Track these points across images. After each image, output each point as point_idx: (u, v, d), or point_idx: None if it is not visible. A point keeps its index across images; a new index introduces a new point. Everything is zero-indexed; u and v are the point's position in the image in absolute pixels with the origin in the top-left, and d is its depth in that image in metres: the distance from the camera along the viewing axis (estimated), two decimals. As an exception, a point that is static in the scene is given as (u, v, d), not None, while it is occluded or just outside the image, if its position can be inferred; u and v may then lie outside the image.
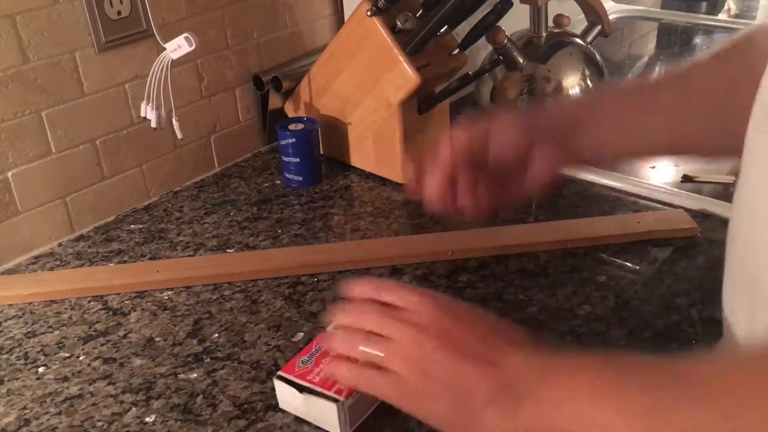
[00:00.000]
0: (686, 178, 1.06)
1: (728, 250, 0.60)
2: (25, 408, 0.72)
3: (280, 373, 0.68)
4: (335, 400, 0.64)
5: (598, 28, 1.28)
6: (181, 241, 0.99)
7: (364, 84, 1.06)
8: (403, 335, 0.54)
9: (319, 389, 0.65)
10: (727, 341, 0.63)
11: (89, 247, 0.99)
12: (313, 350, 0.70)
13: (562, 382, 0.47)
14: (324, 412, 0.66)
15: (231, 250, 0.96)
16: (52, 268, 0.95)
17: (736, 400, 0.40)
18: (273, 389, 0.70)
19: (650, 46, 1.78)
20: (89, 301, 0.88)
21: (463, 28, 1.05)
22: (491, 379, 0.49)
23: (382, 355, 0.54)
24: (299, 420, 0.68)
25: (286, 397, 0.68)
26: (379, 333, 0.55)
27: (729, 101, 0.67)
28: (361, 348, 0.56)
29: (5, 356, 0.80)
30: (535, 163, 0.69)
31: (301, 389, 0.66)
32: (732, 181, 1.01)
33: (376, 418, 0.68)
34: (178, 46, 0.94)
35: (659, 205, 0.98)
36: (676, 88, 0.71)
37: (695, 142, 0.71)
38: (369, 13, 1.00)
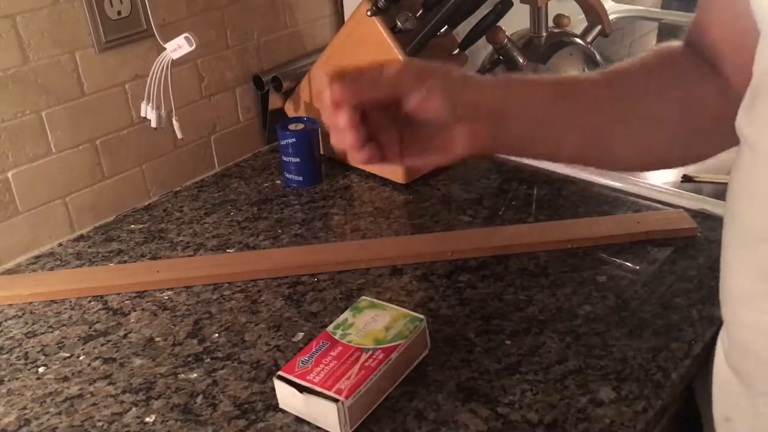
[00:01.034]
0: (686, 178, 1.06)
1: (743, 248, 0.60)
2: (25, 408, 0.72)
3: (280, 373, 0.68)
4: (335, 400, 0.64)
5: (598, 28, 1.28)
6: (181, 241, 0.99)
7: (364, 84, 1.05)
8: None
9: (319, 389, 0.66)
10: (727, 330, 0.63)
11: (89, 247, 0.99)
12: (313, 350, 0.70)
13: None
14: (324, 412, 0.66)
15: (231, 250, 0.96)
16: (52, 268, 0.95)
17: None
18: (273, 389, 0.70)
19: (650, 46, 1.78)
20: (89, 301, 0.88)
21: (463, 28, 1.05)
22: None
23: None
24: (299, 420, 0.68)
25: (287, 396, 0.68)
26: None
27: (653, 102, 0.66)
28: None
29: (5, 356, 0.80)
30: (455, 137, 0.63)
31: (301, 389, 0.66)
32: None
33: (376, 419, 0.68)
34: (178, 46, 0.94)
35: (659, 205, 0.98)
36: (601, 75, 0.69)
37: (612, 140, 0.68)
38: (369, 13, 1.00)
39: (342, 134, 0.60)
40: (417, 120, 0.62)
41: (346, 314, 0.75)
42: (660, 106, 0.66)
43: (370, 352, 0.69)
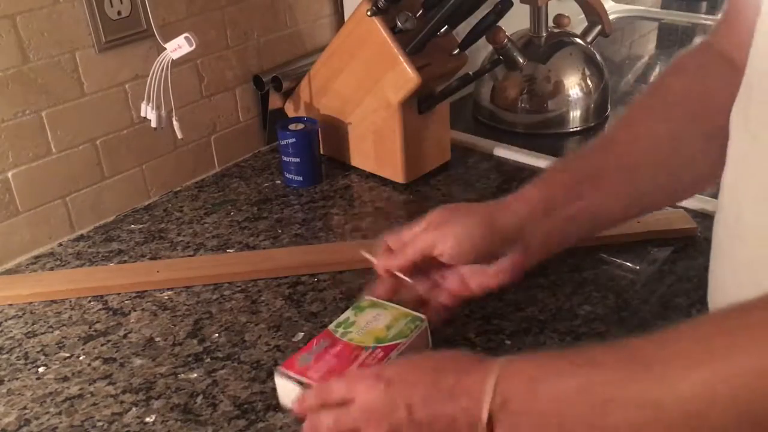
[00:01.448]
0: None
1: (722, 243, 0.60)
2: (25, 408, 0.72)
3: (280, 368, 0.68)
4: None
5: (599, 28, 1.28)
6: (181, 241, 0.99)
7: (364, 84, 1.06)
8: (364, 422, 0.55)
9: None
10: None
11: (89, 247, 0.99)
12: (314, 347, 0.70)
13: (519, 384, 0.50)
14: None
15: (231, 250, 0.96)
16: (52, 268, 0.95)
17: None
18: (273, 389, 0.70)
19: (650, 46, 1.78)
20: (89, 301, 0.88)
21: (463, 28, 1.05)
22: (465, 413, 0.51)
23: None
24: (300, 420, 0.68)
25: (286, 392, 0.68)
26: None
27: (672, 145, 0.68)
28: None
29: (5, 356, 0.80)
30: (499, 267, 0.70)
31: (300, 384, 0.66)
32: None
33: (376, 418, 0.68)
34: (179, 46, 0.94)
35: (659, 205, 0.98)
36: (617, 152, 0.70)
37: (648, 200, 0.71)
38: (369, 13, 1.00)
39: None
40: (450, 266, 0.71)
41: (348, 313, 0.74)
42: (690, 149, 0.67)
43: (371, 350, 0.69)
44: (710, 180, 0.66)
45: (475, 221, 0.68)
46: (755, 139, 0.54)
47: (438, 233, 0.68)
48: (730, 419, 0.41)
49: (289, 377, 0.67)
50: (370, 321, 0.73)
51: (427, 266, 0.72)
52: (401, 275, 0.72)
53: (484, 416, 0.50)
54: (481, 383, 0.51)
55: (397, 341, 0.69)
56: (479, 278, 0.71)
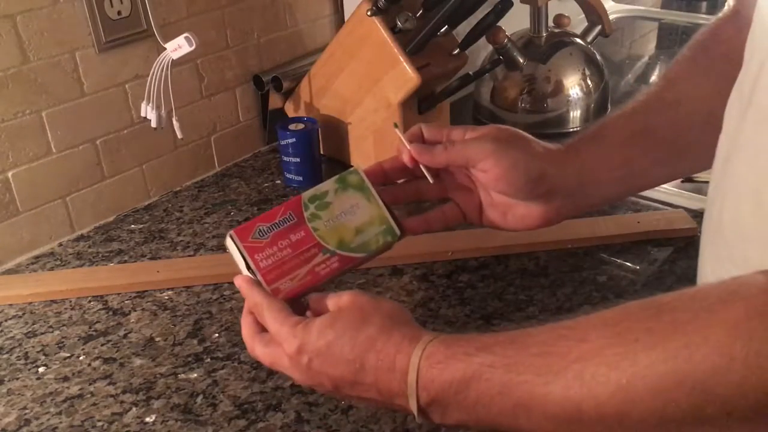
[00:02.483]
0: (686, 178, 1.06)
1: (707, 239, 0.60)
2: (25, 408, 0.72)
3: (233, 231, 0.63)
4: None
5: (599, 28, 1.28)
6: (181, 241, 0.99)
7: (364, 84, 1.06)
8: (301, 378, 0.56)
9: (260, 278, 0.61)
10: None
11: (89, 247, 0.99)
12: (277, 220, 0.63)
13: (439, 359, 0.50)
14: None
15: (231, 250, 0.96)
16: (52, 268, 0.95)
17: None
18: (273, 389, 0.70)
19: (650, 46, 1.78)
20: (89, 301, 0.88)
21: (463, 28, 1.05)
22: (393, 404, 0.52)
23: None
24: (300, 420, 0.68)
25: (235, 257, 0.64)
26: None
27: (715, 103, 0.65)
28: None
29: (5, 356, 0.80)
30: (528, 211, 0.66)
31: (246, 264, 0.62)
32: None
33: (376, 419, 0.68)
34: (179, 46, 0.94)
35: (659, 205, 0.98)
36: (666, 111, 0.69)
37: (692, 160, 0.69)
38: (369, 13, 1.00)
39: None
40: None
41: (330, 185, 0.66)
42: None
43: (327, 255, 0.62)
44: None
45: (533, 156, 0.63)
46: (738, 133, 0.54)
47: (496, 155, 0.62)
48: (648, 422, 0.42)
49: (238, 248, 0.62)
50: (345, 210, 0.65)
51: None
52: (425, 171, 0.65)
53: (415, 409, 0.50)
54: (403, 381, 0.50)
55: (357, 254, 0.63)
56: (498, 214, 0.67)
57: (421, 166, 0.65)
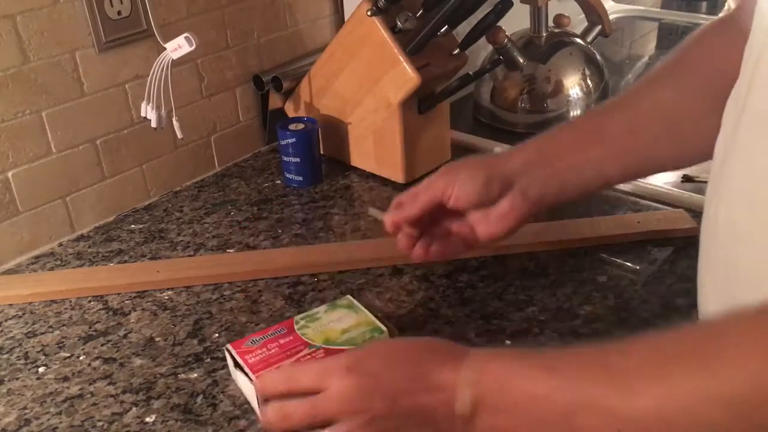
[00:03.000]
0: (686, 178, 1.06)
1: (704, 240, 0.60)
2: (25, 408, 0.72)
3: (229, 344, 0.72)
4: (255, 385, 0.65)
5: (599, 28, 1.28)
6: (181, 241, 0.99)
7: (364, 84, 1.06)
8: (344, 416, 0.54)
9: (247, 369, 0.68)
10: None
11: (89, 247, 0.99)
12: (269, 333, 0.72)
13: (497, 376, 0.51)
14: (249, 393, 0.69)
15: (231, 250, 0.96)
16: (52, 268, 0.95)
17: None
18: (273, 389, 0.70)
19: (650, 46, 1.78)
20: (89, 301, 0.88)
21: (464, 28, 1.05)
22: (443, 406, 0.52)
23: None
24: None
25: (231, 367, 0.72)
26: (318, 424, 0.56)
27: (677, 113, 0.70)
28: None
29: (5, 356, 0.80)
30: (499, 212, 0.73)
31: (237, 365, 0.69)
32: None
33: (376, 418, 0.68)
34: (179, 46, 0.94)
35: (659, 205, 0.98)
36: (621, 113, 0.73)
37: (650, 162, 0.73)
38: (369, 13, 1.00)
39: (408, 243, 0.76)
40: (471, 209, 0.73)
41: (321, 308, 0.76)
42: (696, 118, 0.69)
43: (313, 349, 0.70)
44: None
45: (477, 167, 0.73)
46: (734, 136, 0.54)
47: (445, 179, 0.73)
48: None
49: (231, 355, 0.70)
50: (333, 320, 0.74)
51: (435, 217, 0.76)
52: (408, 229, 0.76)
53: (464, 410, 0.51)
54: (456, 378, 0.52)
55: (344, 347, 0.70)
56: (484, 226, 0.74)
57: (404, 229, 0.76)
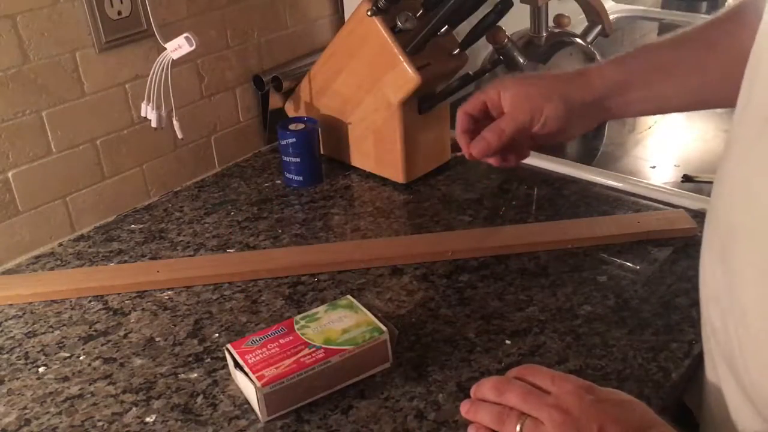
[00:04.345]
0: (686, 178, 1.06)
1: (706, 239, 0.60)
2: (25, 408, 0.72)
3: (229, 344, 0.72)
4: (254, 384, 0.67)
5: (599, 28, 1.28)
6: (181, 241, 0.99)
7: (364, 84, 1.06)
8: (552, 420, 0.54)
9: (247, 369, 0.68)
10: (704, 332, 0.64)
11: (89, 247, 0.99)
12: (269, 333, 0.72)
13: None
14: (249, 393, 0.69)
15: (231, 250, 0.96)
16: (52, 268, 0.95)
17: None
18: (273, 389, 0.70)
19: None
20: (90, 301, 0.88)
21: (464, 28, 1.05)
22: None
23: None
24: (300, 420, 0.69)
25: (231, 368, 0.72)
26: (524, 411, 0.56)
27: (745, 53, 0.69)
28: (512, 427, 0.56)
29: (6, 356, 0.80)
30: (544, 118, 0.77)
31: (236, 365, 0.70)
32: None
33: (376, 419, 0.68)
34: (179, 46, 0.94)
35: (659, 205, 0.99)
36: (694, 49, 0.75)
37: (713, 100, 0.76)
38: (369, 13, 1.00)
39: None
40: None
41: (321, 308, 0.76)
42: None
43: (313, 349, 0.70)
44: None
45: (556, 96, 0.77)
46: (737, 130, 0.55)
47: (528, 113, 0.77)
48: None
49: (231, 355, 0.71)
50: (333, 320, 0.74)
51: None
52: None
53: None
54: None
55: (344, 347, 0.70)
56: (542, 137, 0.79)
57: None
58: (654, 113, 0.91)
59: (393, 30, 1.01)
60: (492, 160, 0.82)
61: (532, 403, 0.55)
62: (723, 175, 0.58)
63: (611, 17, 1.34)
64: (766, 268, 0.51)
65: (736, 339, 0.56)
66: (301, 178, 1.09)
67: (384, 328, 0.72)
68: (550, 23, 1.25)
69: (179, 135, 1.01)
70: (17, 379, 0.76)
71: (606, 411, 0.54)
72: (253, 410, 0.70)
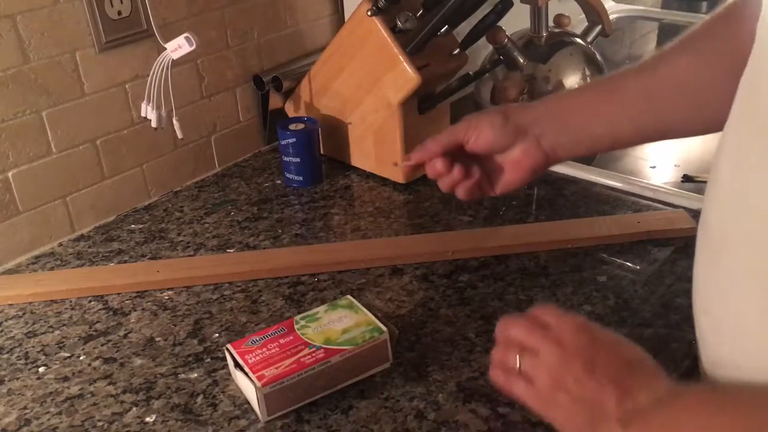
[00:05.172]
0: (686, 178, 1.06)
1: (698, 247, 0.60)
2: (25, 408, 0.72)
3: (229, 344, 0.72)
4: (254, 384, 0.67)
5: (599, 28, 1.28)
6: (181, 241, 0.99)
7: (364, 84, 1.06)
8: (547, 352, 0.59)
9: (247, 369, 0.68)
10: (700, 336, 0.64)
11: (90, 247, 0.99)
12: (269, 333, 0.73)
13: (675, 421, 0.52)
14: (249, 393, 0.69)
15: (231, 250, 0.96)
16: (52, 268, 0.95)
17: None
18: (273, 389, 0.70)
19: (650, 46, 1.78)
20: (90, 301, 0.88)
21: (464, 28, 1.05)
22: (621, 405, 0.54)
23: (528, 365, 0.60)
24: (300, 420, 0.68)
25: (231, 368, 0.73)
26: (525, 345, 0.61)
27: (694, 78, 0.71)
28: (512, 359, 0.61)
29: (6, 356, 0.80)
30: (514, 157, 0.76)
31: (236, 364, 0.70)
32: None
33: (376, 419, 0.68)
34: (179, 46, 0.94)
35: (659, 205, 0.98)
36: (638, 75, 0.74)
37: (663, 125, 0.74)
38: (369, 13, 1.00)
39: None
40: (489, 156, 0.77)
41: (321, 308, 0.76)
42: (713, 81, 0.70)
43: (313, 349, 0.70)
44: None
45: (496, 114, 0.76)
46: (725, 135, 0.55)
47: (467, 123, 0.77)
48: None
49: (231, 355, 0.71)
50: (333, 320, 0.74)
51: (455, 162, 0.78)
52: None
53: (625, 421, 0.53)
54: (646, 399, 0.54)
55: (344, 347, 0.70)
56: (500, 173, 0.78)
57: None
58: (606, 141, 0.79)
59: (393, 30, 1.01)
60: (458, 190, 0.80)
61: (533, 337, 0.61)
62: (716, 181, 0.58)
63: (611, 17, 1.34)
64: (761, 278, 0.51)
65: (729, 350, 0.56)
66: (301, 178, 1.09)
67: (384, 328, 0.72)
68: (550, 23, 1.25)
69: (179, 135, 1.01)
70: (17, 379, 0.76)
71: (598, 347, 0.58)
72: (253, 410, 0.70)
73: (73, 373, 0.77)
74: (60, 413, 0.72)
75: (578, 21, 1.31)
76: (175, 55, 0.95)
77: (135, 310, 0.86)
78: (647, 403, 0.54)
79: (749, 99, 0.53)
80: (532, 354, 0.60)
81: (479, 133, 0.76)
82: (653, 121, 0.73)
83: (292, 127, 1.09)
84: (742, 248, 0.53)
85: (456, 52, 1.06)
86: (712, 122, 0.70)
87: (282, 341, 0.71)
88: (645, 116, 0.73)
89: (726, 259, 0.55)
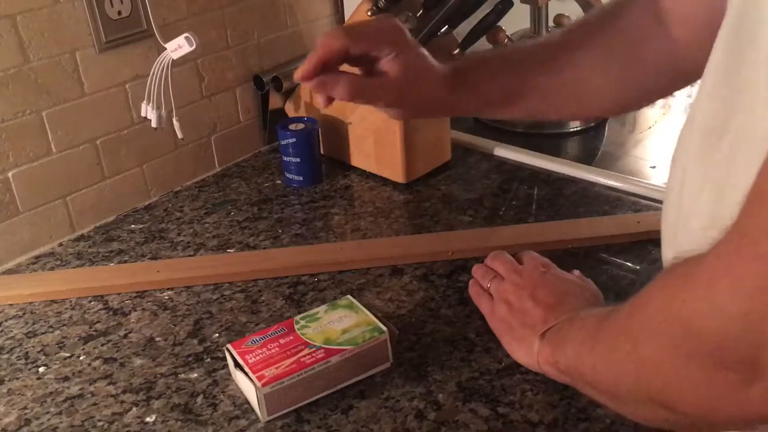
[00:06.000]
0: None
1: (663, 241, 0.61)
2: (25, 408, 0.73)
3: (229, 344, 0.72)
4: (254, 384, 0.67)
5: (599, 28, 1.28)
6: (181, 241, 0.99)
7: (364, 84, 1.05)
8: (509, 280, 0.76)
9: (247, 369, 0.68)
10: None
11: (90, 247, 0.99)
12: (269, 333, 0.73)
13: (565, 333, 0.64)
14: (249, 393, 0.69)
15: (231, 250, 0.96)
16: (52, 268, 0.95)
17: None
18: (273, 389, 0.70)
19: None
20: (90, 301, 0.88)
21: (464, 28, 1.05)
22: (545, 323, 0.68)
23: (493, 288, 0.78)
24: (300, 420, 0.69)
25: (230, 368, 0.73)
26: (497, 273, 0.79)
27: (590, 90, 0.76)
28: (486, 282, 0.79)
29: (6, 356, 0.80)
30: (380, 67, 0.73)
31: (236, 364, 0.70)
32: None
33: (376, 419, 0.68)
34: (179, 46, 0.94)
35: (659, 205, 0.98)
36: (547, 75, 0.75)
37: (543, 115, 0.83)
38: (369, 13, 1.00)
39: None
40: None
41: (321, 308, 0.76)
42: (603, 59, 0.74)
43: (313, 349, 0.70)
44: (610, 109, 0.86)
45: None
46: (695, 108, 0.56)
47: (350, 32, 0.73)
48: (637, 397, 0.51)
49: (231, 355, 0.71)
50: (333, 320, 0.74)
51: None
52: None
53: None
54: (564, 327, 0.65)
55: (344, 347, 0.70)
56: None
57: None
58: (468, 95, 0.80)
59: (393, 30, 1.00)
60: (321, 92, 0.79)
61: (504, 267, 0.78)
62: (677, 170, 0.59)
63: (611, 17, 1.34)
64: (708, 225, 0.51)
65: None
66: (301, 178, 1.09)
67: (384, 328, 0.72)
68: (550, 23, 1.25)
69: (179, 135, 1.01)
70: (17, 379, 0.76)
71: (546, 281, 0.75)
72: (253, 410, 0.70)
73: (73, 373, 0.77)
74: (60, 413, 0.72)
75: (578, 21, 1.31)
76: (175, 55, 0.95)
77: (135, 310, 0.86)
78: (563, 321, 0.66)
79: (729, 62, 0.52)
80: (500, 280, 0.77)
81: (395, 62, 0.73)
82: (535, 110, 0.79)
83: (292, 127, 1.09)
84: (698, 214, 0.54)
85: (456, 52, 1.06)
86: (583, 108, 0.80)
87: (282, 341, 0.71)
88: (533, 105, 0.77)
89: (683, 233, 0.55)
